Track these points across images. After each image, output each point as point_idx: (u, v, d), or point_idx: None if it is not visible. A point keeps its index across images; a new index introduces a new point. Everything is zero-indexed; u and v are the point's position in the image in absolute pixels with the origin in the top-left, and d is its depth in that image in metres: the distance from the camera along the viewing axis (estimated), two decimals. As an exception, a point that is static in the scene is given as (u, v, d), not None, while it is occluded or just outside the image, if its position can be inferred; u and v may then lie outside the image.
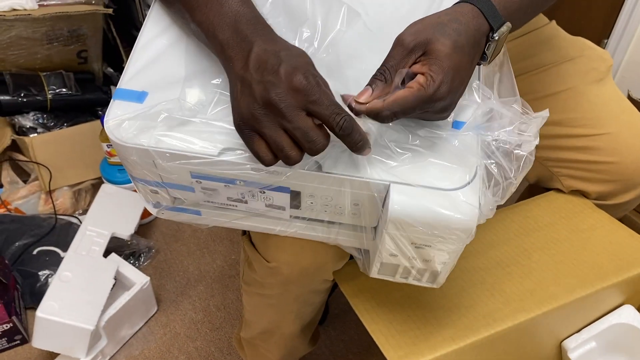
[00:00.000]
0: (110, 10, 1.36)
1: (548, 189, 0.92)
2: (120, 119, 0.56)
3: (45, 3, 1.34)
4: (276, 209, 0.62)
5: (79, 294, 1.11)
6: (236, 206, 0.63)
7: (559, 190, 0.90)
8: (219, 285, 1.33)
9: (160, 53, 0.62)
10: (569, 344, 0.78)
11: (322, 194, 0.57)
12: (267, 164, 0.51)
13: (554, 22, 0.88)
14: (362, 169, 0.54)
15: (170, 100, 0.56)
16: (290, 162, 0.50)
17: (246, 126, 0.50)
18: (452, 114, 0.56)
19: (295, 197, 0.59)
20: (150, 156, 0.55)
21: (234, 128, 0.53)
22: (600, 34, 1.47)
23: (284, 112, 0.48)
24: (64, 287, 1.11)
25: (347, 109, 0.50)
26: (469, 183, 0.53)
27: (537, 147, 0.86)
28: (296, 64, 0.48)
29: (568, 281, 0.73)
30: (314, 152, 0.50)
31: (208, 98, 0.57)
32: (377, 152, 0.54)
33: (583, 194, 0.88)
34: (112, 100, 0.58)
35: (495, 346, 0.69)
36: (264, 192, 0.59)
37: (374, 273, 0.64)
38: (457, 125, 0.57)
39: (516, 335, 0.70)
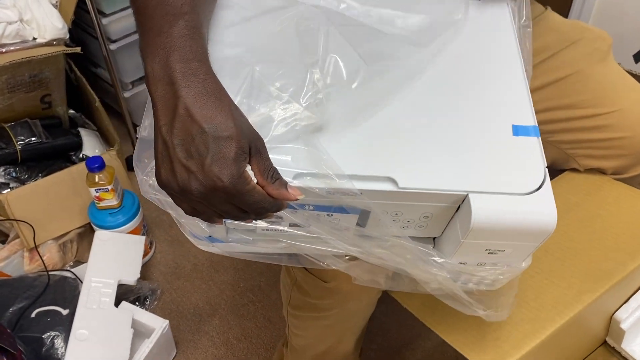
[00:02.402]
0: (78, 49, 1.29)
1: (562, 171, 0.95)
2: None
3: (4, 50, 1.26)
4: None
5: (101, 351, 1.05)
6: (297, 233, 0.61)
7: (573, 170, 0.93)
8: (234, 316, 1.29)
9: None
10: (620, 315, 0.81)
11: (392, 210, 0.56)
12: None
13: (549, 8, 0.91)
14: (438, 180, 0.54)
15: None
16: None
17: (166, 191, 0.48)
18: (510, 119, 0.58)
19: (363, 216, 0.58)
20: None
21: (303, 149, 0.52)
22: (559, 11, 1.53)
23: (204, 203, 0.47)
24: (82, 346, 1.05)
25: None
26: (542, 185, 0.54)
27: (551, 131, 0.89)
28: (223, 155, 0.44)
29: (617, 255, 0.76)
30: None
31: (265, 118, 0.54)
32: (447, 161, 0.54)
33: (600, 171, 0.91)
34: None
35: (569, 332, 0.70)
36: (332, 215, 0.58)
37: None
38: (516, 129, 0.58)
39: (584, 316, 0.72)
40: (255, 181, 0.47)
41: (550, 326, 0.67)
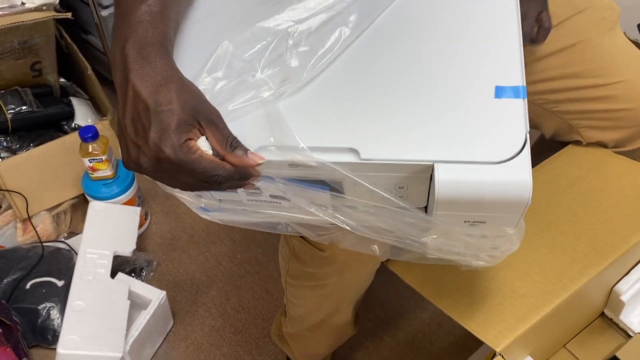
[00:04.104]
0: (69, 15, 1.25)
1: (564, 143, 0.94)
2: None
3: (-9, 15, 1.22)
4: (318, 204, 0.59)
5: (98, 322, 1.04)
6: (280, 203, 0.59)
7: (576, 143, 0.92)
8: (231, 287, 1.29)
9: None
10: (621, 287, 0.81)
11: (363, 181, 0.54)
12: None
13: None
14: (402, 149, 0.51)
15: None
16: None
17: (133, 171, 0.51)
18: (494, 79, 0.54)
19: (337, 189, 0.56)
20: None
21: (263, 121, 0.52)
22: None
23: (160, 178, 0.50)
24: (79, 317, 1.04)
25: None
26: (518, 153, 0.50)
27: (556, 101, 0.88)
28: (163, 126, 0.46)
29: (621, 228, 0.76)
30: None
31: (227, 91, 0.53)
32: (416, 127, 0.51)
33: (601, 144, 0.90)
34: None
35: (572, 304, 0.70)
36: (305, 190, 0.56)
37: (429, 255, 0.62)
38: (499, 91, 0.53)
39: (587, 289, 0.72)
40: (210, 152, 0.48)
41: (555, 299, 0.67)
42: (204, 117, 0.48)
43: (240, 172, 0.49)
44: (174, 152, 0.46)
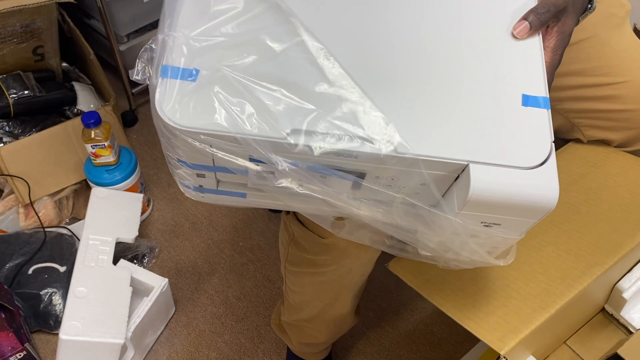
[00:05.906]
0: (72, -1, 1.24)
1: (565, 140, 0.93)
2: (175, 100, 0.50)
3: (-7, -1, 1.21)
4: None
5: (100, 308, 1.05)
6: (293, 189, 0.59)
7: (577, 141, 0.92)
8: (233, 274, 1.29)
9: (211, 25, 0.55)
10: (623, 285, 0.81)
11: (388, 175, 0.55)
12: None
13: None
14: (438, 147, 0.51)
15: (224, 74, 0.51)
16: None
17: None
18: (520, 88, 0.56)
19: (356, 184, 0.56)
20: (211, 141, 0.51)
21: (303, 103, 0.50)
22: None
23: None
24: (81, 303, 1.05)
25: None
26: (546, 160, 0.52)
27: (558, 99, 0.87)
28: None
29: (625, 226, 0.76)
30: None
31: (265, 65, 0.52)
32: (450, 127, 0.53)
33: (604, 142, 0.90)
34: (159, 79, 0.51)
35: (576, 304, 0.70)
36: (325, 178, 0.56)
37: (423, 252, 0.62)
38: (526, 99, 0.55)
39: (591, 288, 0.72)
40: None
41: (559, 300, 0.67)
42: None
43: None
44: None
